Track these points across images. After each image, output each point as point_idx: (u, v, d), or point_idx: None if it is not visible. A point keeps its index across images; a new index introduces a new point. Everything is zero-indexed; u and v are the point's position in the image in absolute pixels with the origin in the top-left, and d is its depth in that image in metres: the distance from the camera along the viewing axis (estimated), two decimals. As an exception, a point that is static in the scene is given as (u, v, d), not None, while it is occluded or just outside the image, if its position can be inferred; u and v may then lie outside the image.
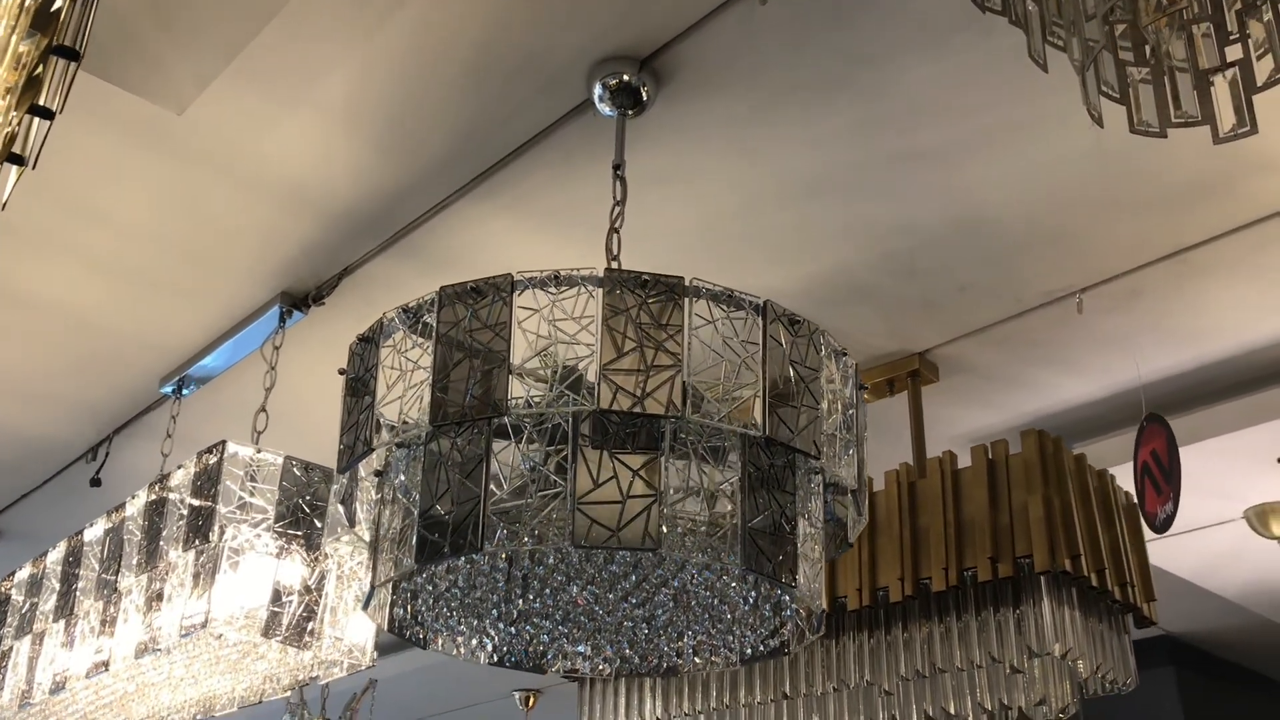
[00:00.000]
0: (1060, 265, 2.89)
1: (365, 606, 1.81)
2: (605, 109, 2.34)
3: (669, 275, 1.68)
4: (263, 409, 2.95)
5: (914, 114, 2.41)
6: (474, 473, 1.63)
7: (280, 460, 2.52)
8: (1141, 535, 2.98)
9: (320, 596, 2.49)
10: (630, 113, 2.35)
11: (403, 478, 1.77)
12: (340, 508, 1.91)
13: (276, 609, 2.42)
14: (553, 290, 1.67)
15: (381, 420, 1.71)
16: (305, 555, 2.48)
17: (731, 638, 1.94)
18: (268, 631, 2.41)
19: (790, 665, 2.99)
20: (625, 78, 2.30)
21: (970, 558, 2.71)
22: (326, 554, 2.52)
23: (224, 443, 2.49)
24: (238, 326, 3.18)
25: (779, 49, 2.26)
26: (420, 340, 1.75)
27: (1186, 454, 3.46)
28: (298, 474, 2.52)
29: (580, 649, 2.02)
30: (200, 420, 3.51)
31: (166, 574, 2.57)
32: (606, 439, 1.65)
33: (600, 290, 1.66)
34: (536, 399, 1.63)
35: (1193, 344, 3.16)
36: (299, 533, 2.47)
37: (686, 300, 1.67)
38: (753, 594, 1.83)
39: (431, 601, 1.92)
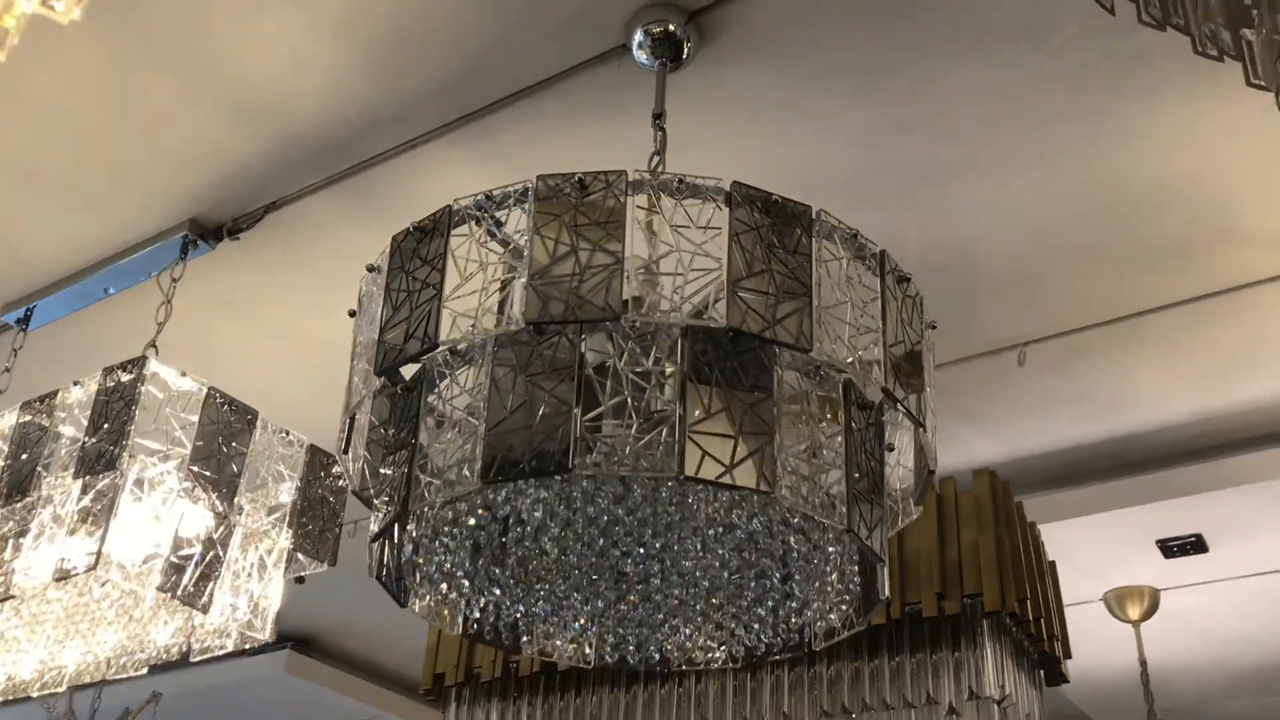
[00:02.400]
0: (1016, 313, 2.89)
1: (374, 540, 1.53)
2: (642, 57, 2.17)
3: (795, 201, 1.52)
4: (153, 344, 2.55)
5: (940, 121, 2.35)
6: (562, 384, 1.40)
7: (203, 391, 2.17)
8: (1060, 592, 2.98)
9: (223, 555, 2.14)
10: (670, 65, 2.18)
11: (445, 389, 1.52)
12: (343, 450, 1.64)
13: (178, 561, 2.06)
14: (674, 194, 1.48)
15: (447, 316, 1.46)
16: (215, 505, 2.13)
17: (757, 623, 1.75)
18: (166, 586, 2.04)
19: (699, 699, 2.81)
20: (670, 27, 2.14)
21: (914, 593, 2.63)
22: (241, 508, 2.17)
23: (145, 358, 2.12)
24: (126, 252, 2.78)
25: (830, 27, 2.16)
26: (492, 244, 1.52)
27: (1067, 527, 3.54)
28: (221, 409, 2.17)
29: (574, 627, 1.78)
30: (44, 361, 3.03)
31: (34, 509, 2.15)
32: (712, 368, 1.46)
33: (726, 205, 1.48)
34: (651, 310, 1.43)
35: (1111, 414, 3.22)
36: (213, 476, 2.11)
37: (816, 230, 1.52)
38: (827, 565, 1.65)
39: (431, 553, 1.66)
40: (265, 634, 2.21)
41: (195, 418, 2.13)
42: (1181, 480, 3.32)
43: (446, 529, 1.61)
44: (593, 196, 1.46)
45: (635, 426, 1.39)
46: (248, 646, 2.21)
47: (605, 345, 1.48)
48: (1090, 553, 3.72)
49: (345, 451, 1.65)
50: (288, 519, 2.25)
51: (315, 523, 2.27)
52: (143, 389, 2.08)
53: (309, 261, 2.83)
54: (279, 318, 3.04)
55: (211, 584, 2.10)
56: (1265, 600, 3.97)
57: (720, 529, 1.61)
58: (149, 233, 2.74)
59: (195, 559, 2.08)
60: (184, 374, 2.17)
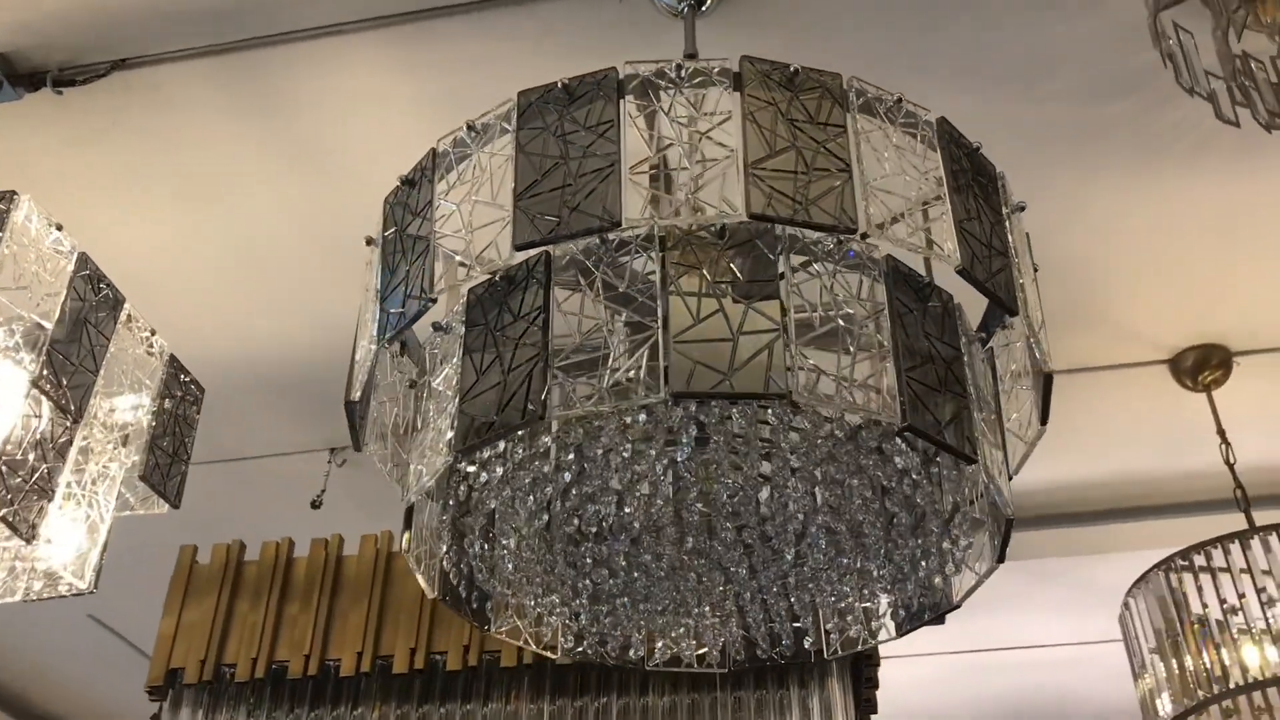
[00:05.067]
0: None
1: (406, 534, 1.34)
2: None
3: (823, 70, 1.29)
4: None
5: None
6: (532, 327, 1.19)
7: (74, 255, 1.75)
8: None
9: (60, 469, 1.67)
10: (691, 8, 1.97)
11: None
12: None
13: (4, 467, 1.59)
14: (672, 82, 1.26)
15: (440, 264, 1.27)
16: (65, 402, 1.67)
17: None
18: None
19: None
20: (699, -37, 1.95)
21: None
22: (96, 417, 1.79)
23: (14, 193, 1.69)
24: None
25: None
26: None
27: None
28: (90, 282, 1.75)
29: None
30: None
31: None
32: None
33: (736, 86, 1.26)
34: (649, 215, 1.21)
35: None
36: (72, 366, 1.68)
37: (851, 99, 1.28)
38: (908, 483, 1.36)
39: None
40: (85, 583, 1.78)
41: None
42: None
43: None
44: (579, 102, 1.26)
45: (614, 356, 1.17)
46: (49, 596, 1.78)
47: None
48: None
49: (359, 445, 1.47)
50: (129, 440, 1.82)
51: (164, 452, 1.87)
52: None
53: (153, 142, 2.33)
54: (96, 199, 2.47)
55: (43, 505, 1.61)
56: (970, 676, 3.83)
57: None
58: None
59: (26, 468, 1.59)
60: (59, 227, 1.74)
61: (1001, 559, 1.38)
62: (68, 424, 1.67)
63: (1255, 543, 2.32)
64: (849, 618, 1.57)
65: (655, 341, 1.15)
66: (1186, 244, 2.53)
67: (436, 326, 1.34)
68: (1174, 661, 2.34)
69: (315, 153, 2.35)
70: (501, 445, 1.33)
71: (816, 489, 1.38)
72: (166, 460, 1.87)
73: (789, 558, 1.39)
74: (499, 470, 1.34)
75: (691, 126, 1.23)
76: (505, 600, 1.54)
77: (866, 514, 1.37)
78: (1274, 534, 2.34)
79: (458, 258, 1.25)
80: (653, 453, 1.29)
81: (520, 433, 1.31)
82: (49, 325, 1.65)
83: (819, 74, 1.28)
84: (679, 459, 1.29)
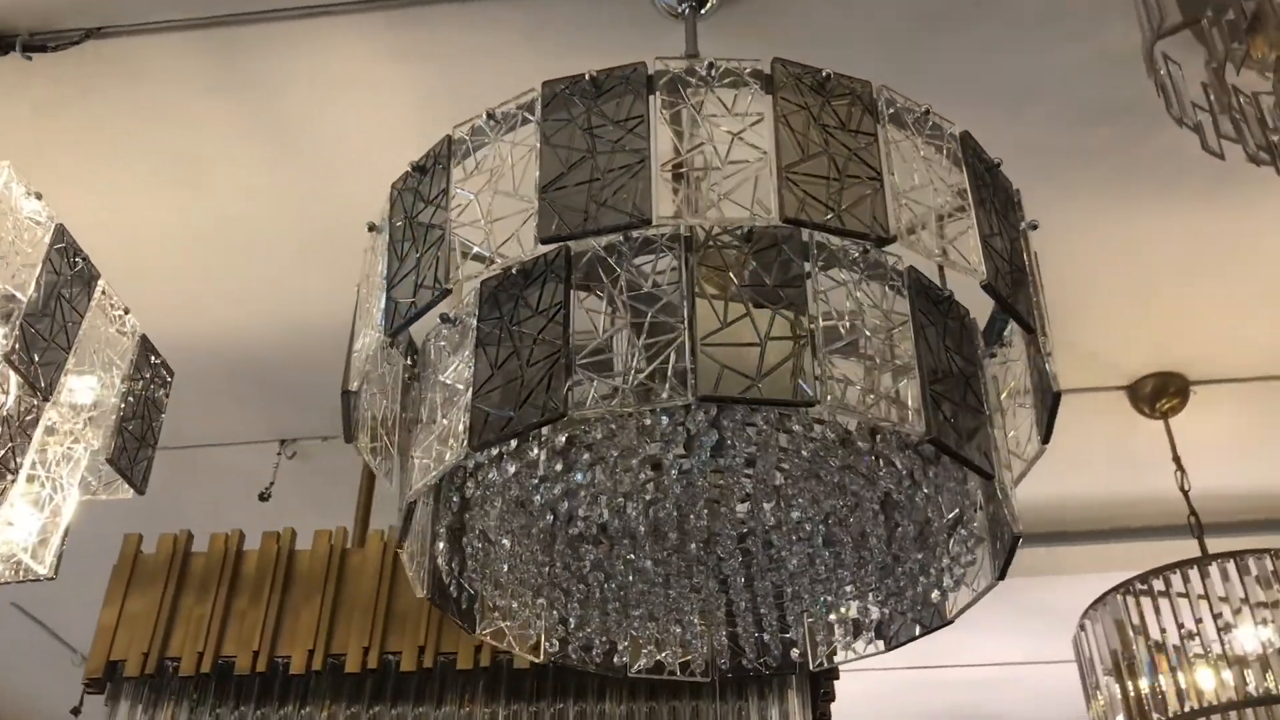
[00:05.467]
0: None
1: (401, 540, 1.30)
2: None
3: (853, 77, 1.28)
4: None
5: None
6: (551, 322, 1.16)
7: (53, 226, 1.68)
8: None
9: (25, 449, 1.61)
10: (692, 9, 1.96)
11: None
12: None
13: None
14: (703, 80, 1.24)
15: (459, 255, 1.24)
16: (36, 378, 1.60)
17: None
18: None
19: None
20: (703, -35, 1.94)
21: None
22: (61, 395, 1.72)
23: None
24: None
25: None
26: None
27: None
28: (65, 255, 1.68)
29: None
30: None
31: None
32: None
33: (767, 88, 1.24)
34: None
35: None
36: (44, 342, 1.61)
37: (881, 108, 1.27)
38: (921, 496, 1.35)
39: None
40: (45, 568, 1.74)
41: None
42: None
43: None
44: (607, 95, 1.24)
45: (636, 356, 1.14)
46: (7, 580, 1.74)
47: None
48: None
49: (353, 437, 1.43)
50: (97, 421, 1.76)
51: (131, 436, 1.81)
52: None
53: (125, 114, 2.26)
54: (63, 170, 2.39)
55: (4, 485, 1.57)
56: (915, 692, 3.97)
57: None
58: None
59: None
60: (39, 196, 1.68)
61: (1003, 575, 1.37)
62: (36, 401, 1.61)
63: (1214, 569, 2.36)
64: (838, 630, 1.56)
65: (681, 343, 1.12)
66: (1153, 272, 2.57)
67: (444, 318, 1.31)
68: (1129, 684, 2.37)
69: (294, 136, 2.29)
70: (514, 443, 1.29)
71: (820, 497, 1.37)
72: (134, 444, 1.81)
73: (791, 566, 1.38)
74: (511, 469, 1.30)
75: (722, 126, 1.20)
76: (494, 601, 1.50)
77: (871, 524, 1.36)
78: (1231, 561, 2.38)
79: (475, 248, 1.21)
80: (668, 458, 1.27)
81: (534, 432, 1.27)
82: (23, 298, 1.58)
83: (849, 80, 1.27)
84: (694, 465, 1.27)
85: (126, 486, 1.81)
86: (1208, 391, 2.81)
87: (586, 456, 1.27)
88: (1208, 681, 2.29)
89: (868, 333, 1.19)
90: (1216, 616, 2.33)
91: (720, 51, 2.00)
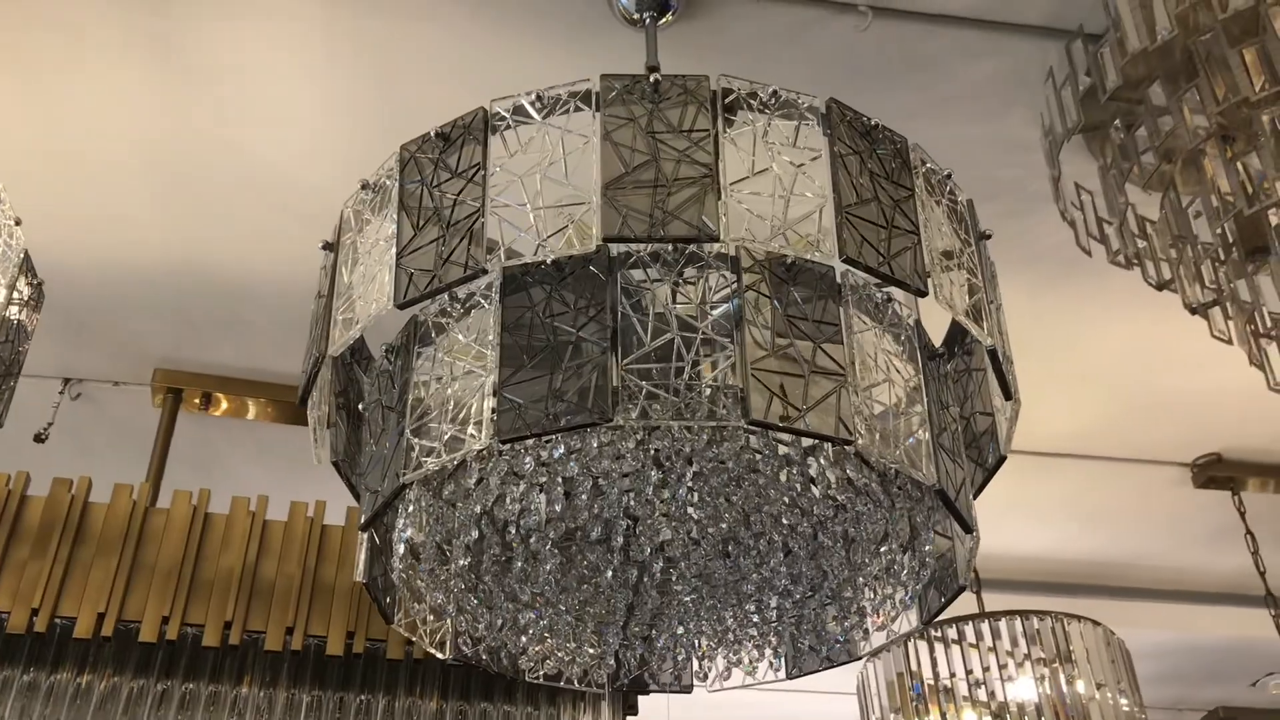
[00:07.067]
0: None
1: (365, 528, 1.23)
2: (629, 4, 1.94)
3: (893, 130, 1.32)
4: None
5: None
6: (592, 323, 1.14)
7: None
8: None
9: None
10: (653, 19, 1.95)
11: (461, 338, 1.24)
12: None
13: None
14: (765, 105, 1.25)
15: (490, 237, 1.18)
16: None
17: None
18: None
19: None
20: (667, -23, 1.94)
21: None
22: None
23: None
24: None
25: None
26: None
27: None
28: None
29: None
30: None
31: None
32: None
33: (821, 125, 1.26)
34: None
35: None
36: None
37: (916, 163, 1.31)
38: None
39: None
40: None
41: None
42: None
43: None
44: (669, 103, 1.22)
45: (683, 371, 1.14)
46: None
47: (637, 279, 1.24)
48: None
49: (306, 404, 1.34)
50: None
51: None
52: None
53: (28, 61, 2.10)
54: None
55: None
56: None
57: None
58: None
59: None
60: None
61: (930, 621, 1.44)
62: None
63: (1003, 625, 2.56)
64: (743, 652, 1.58)
65: (733, 364, 1.12)
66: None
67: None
68: (905, 720, 2.54)
69: (179, 54, 2.08)
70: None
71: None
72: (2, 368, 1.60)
73: (750, 587, 1.39)
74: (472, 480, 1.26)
75: (784, 157, 1.22)
76: (420, 596, 1.43)
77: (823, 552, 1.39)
78: (1015, 619, 2.59)
79: (520, 234, 1.17)
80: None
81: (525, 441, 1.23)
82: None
83: (892, 133, 1.31)
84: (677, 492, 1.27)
85: (-19, 419, 1.60)
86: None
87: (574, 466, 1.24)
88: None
89: (895, 382, 1.23)
90: (1002, 668, 2.52)
91: (680, 62, 2.03)
